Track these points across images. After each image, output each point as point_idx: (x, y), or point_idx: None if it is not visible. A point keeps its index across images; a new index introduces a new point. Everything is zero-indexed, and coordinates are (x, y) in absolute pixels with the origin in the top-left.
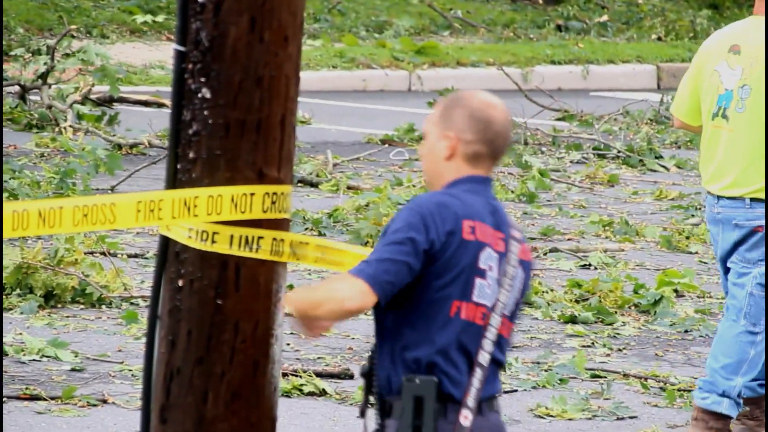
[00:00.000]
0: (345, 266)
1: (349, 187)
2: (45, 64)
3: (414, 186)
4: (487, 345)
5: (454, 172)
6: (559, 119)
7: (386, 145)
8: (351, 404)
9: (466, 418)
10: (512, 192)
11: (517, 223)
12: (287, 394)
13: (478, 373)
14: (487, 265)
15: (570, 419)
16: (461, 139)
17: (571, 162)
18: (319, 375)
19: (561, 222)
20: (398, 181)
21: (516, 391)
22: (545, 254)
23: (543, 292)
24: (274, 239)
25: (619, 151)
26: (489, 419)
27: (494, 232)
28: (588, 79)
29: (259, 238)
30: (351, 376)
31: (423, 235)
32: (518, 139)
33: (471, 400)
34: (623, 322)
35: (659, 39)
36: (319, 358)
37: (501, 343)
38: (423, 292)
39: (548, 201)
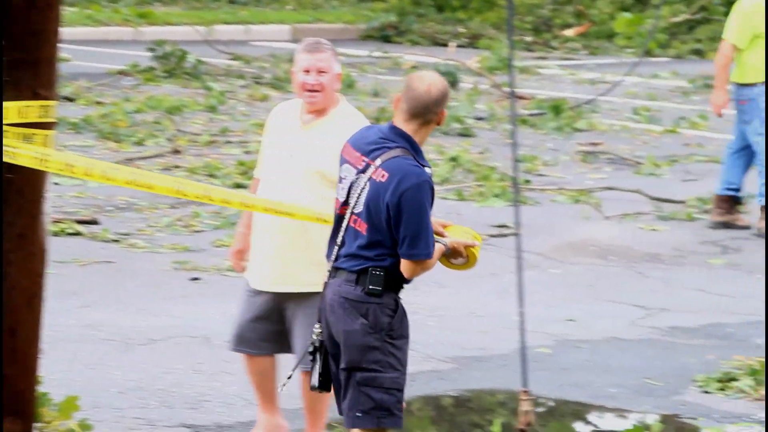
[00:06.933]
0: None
1: (97, 102)
2: None
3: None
4: (342, 230)
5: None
6: (231, 59)
7: (121, 75)
8: (100, 241)
9: (326, 275)
10: (200, 105)
11: (392, 157)
12: (56, 234)
13: (335, 249)
14: (344, 174)
15: None
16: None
17: (239, 86)
18: (78, 222)
19: (233, 124)
20: (127, 99)
21: None
22: (223, 144)
23: (220, 168)
24: (45, 136)
25: (269, 80)
26: (333, 281)
27: (357, 155)
28: (249, 34)
29: (33, 134)
30: (96, 222)
31: None
32: (205, 71)
33: (329, 265)
34: None
35: (294, 9)
36: (77, 210)
37: (359, 237)
38: None
39: (224, 111)
